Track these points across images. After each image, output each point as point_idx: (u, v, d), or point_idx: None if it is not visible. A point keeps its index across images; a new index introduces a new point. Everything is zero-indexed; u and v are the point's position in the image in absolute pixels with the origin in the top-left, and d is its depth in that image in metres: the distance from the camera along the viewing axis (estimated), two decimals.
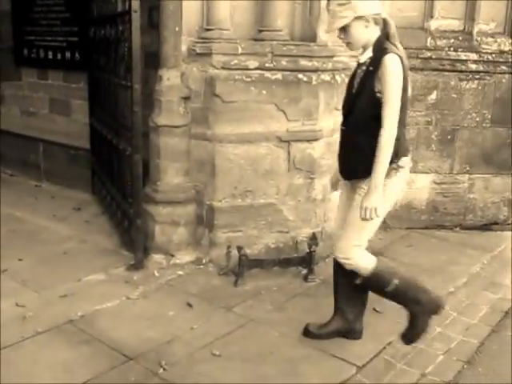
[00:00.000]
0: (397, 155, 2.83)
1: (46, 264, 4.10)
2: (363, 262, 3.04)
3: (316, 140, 4.13)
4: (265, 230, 4.15)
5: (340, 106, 4.17)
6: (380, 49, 2.79)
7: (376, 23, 2.84)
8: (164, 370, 2.90)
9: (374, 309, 3.56)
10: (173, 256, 4.09)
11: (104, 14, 4.66)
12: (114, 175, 4.65)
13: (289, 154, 4.10)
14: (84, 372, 2.85)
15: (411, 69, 4.84)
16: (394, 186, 2.92)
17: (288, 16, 4.18)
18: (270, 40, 4.04)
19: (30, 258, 4.19)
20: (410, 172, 4.82)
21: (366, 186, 2.87)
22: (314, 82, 4.07)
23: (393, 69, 2.71)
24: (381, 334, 3.31)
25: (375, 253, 4.38)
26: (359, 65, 2.95)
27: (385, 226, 4.99)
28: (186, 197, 4.08)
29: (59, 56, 6.30)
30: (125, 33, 4.02)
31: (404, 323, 3.14)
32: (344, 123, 3.02)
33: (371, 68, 2.81)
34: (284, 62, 4.02)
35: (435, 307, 3.06)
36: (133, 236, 4.09)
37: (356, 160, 2.93)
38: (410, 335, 3.09)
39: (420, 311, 3.04)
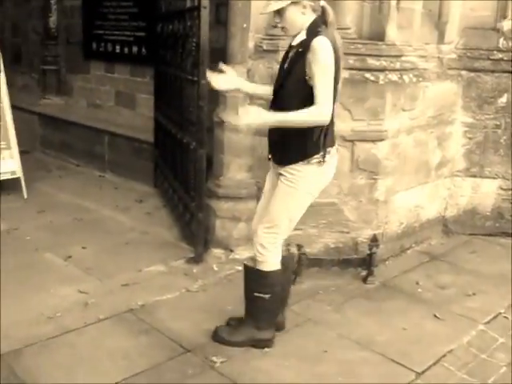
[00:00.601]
0: (323, 145, 2.78)
1: (108, 253, 4.20)
2: (272, 255, 2.99)
3: (381, 140, 4.07)
4: (325, 230, 4.11)
5: (407, 107, 4.19)
6: (312, 32, 2.72)
7: (314, 10, 2.78)
8: (221, 363, 2.92)
9: (435, 315, 3.49)
10: (232, 251, 4.12)
11: (172, 10, 4.73)
12: (177, 169, 4.71)
13: (352, 153, 4.05)
14: (142, 361, 2.91)
15: (480, 70, 4.80)
16: (314, 176, 2.83)
17: (356, 14, 4.13)
18: None
19: (93, 246, 4.30)
20: (476, 177, 4.87)
21: (290, 172, 2.82)
22: (381, 82, 4.01)
23: (323, 52, 2.65)
24: (441, 341, 3.24)
25: (435, 257, 4.34)
26: (291, 47, 2.87)
27: (447, 230, 4.90)
28: (248, 193, 4.10)
29: (126, 50, 6.46)
30: (193, 28, 4.06)
31: (467, 330, 3.06)
32: (272, 105, 2.90)
33: (301, 50, 2.74)
34: (351, 61, 3.97)
35: (265, 342, 3.10)
36: (193, 230, 4.14)
37: (284, 145, 2.86)
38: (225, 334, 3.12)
39: (252, 328, 3.08)
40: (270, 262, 2.99)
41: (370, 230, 4.14)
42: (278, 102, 2.85)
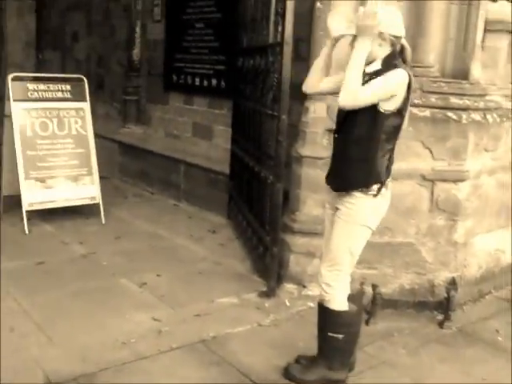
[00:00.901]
0: (384, 176, 2.80)
1: (181, 281, 4.25)
2: (338, 293, 2.95)
3: (462, 181, 3.98)
4: (401, 270, 4.03)
5: (490, 147, 4.09)
6: (389, 64, 2.74)
7: (392, 45, 2.77)
8: None
9: None
10: (305, 287, 4.08)
11: (254, 45, 4.82)
12: (253, 202, 4.74)
13: (432, 193, 3.98)
14: None
15: None
16: (370, 208, 2.84)
17: (440, 52, 4.09)
18: (421, 76, 3.96)
19: (167, 274, 4.36)
20: None
21: (346, 206, 2.81)
22: (463, 121, 3.94)
23: (397, 77, 2.69)
24: None
25: None
26: (364, 74, 2.80)
27: None
28: (323, 229, 4.05)
29: (205, 83, 6.59)
30: (275, 64, 4.12)
31: None
32: (338, 132, 2.91)
33: (375, 77, 2.72)
34: (433, 99, 3.93)
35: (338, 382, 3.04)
36: (267, 263, 4.13)
37: (345, 170, 2.85)
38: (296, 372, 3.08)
39: (324, 368, 3.03)
40: (338, 299, 2.95)
41: (448, 273, 4.02)
42: (345, 130, 2.85)
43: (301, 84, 4.22)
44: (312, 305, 3.97)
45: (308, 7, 4.10)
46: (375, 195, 2.80)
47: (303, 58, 4.38)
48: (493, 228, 4.35)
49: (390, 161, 2.85)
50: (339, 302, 2.96)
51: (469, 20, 4.00)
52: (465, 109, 3.96)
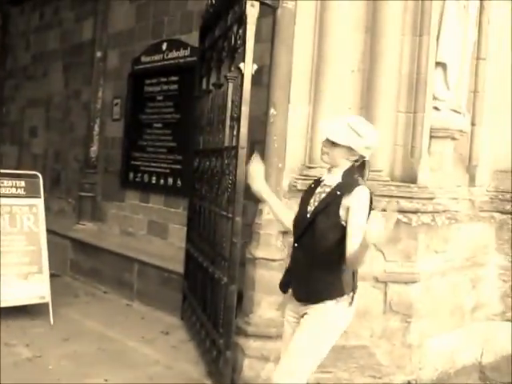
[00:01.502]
0: (344, 291, 2.79)
1: None
2: None
3: (414, 282, 4.03)
4: (356, 374, 3.97)
5: (440, 249, 4.18)
6: (351, 178, 2.81)
7: (357, 161, 2.85)
8: None
9: None
10: None
11: (211, 147, 4.91)
12: (207, 303, 4.66)
13: (385, 295, 4.01)
14: None
15: (506, 212, 4.81)
16: (343, 315, 2.85)
17: (389, 157, 4.25)
18: (371, 180, 4.06)
19: (116, 379, 4.16)
20: None
21: (324, 308, 2.79)
22: (413, 224, 4.04)
23: (364, 200, 2.73)
24: None
25: None
26: (318, 182, 2.94)
27: (484, 378, 4.68)
28: (278, 332, 3.96)
29: (162, 181, 6.65)
30: (230, 166, 4.20)
31: None
32: (298, 241, 2.92)
33: (338, 193, 2.77)
34: (384, 202, 4.03)
35: None
36: (220, 368, 4.02)
37: (312, 280, 2.81)
38: None
39: None
40: None
41: (404, 376, 3.99)
42: (307, 240, 2.84)
43: None
44: None
45: (264, 111, 4.24)
46: (351, 303, 2.82)
47: None
48: (447, 329, 4.37)
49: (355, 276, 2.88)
50: None
51: (415, 128, 4.20)
52: (414, 212, 4.08)
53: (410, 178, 4.21)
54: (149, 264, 6.12)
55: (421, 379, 4.11)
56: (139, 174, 6.98)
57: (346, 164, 2.85)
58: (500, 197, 4.91)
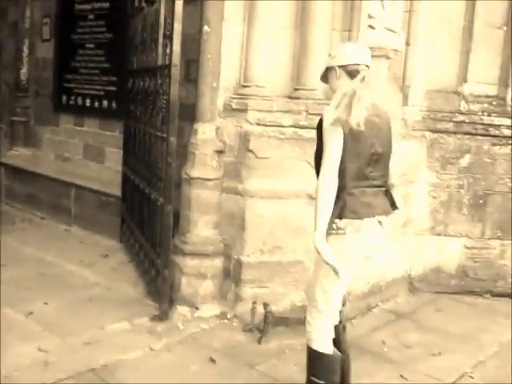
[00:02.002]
0: (338, 216, 2.67)
1: (70, 309, 4.10)
2: (316, 330, 2.86)
3: None
4: (292, 288, 4.10)
5: None
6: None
7: (350, 75, 2.78)
8: None
9: (401, 375, 3.48)
10: (198, 309, 4.06)
11: (144, 67, 4.79)
12: (144, 224, 4.68)
13: None
14: None
15: (443, 131, 4.94)
16: (334, 247, 2.66)
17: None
18: (305, 99, 4.10)
19: (55, 302, 4.19)
20: (440, 235, 4.95)
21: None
22: None
23: (327, 130, 2.65)
24: None
25: (401, 315, 4.34)
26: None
27: (413, 288, 4.93)
28: (215, 250, 4.08)
29: (96, 104, 6.48)
30: (163, 86, 4.12)
31: None
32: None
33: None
34: (318, 121, 4.05)
35: None
36: (159, 286, 4.08)
37: None
38: None
39: None
40: (318, 340, 2.85)
41: None
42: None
43: (191, 105, 4.28)
44: (205, 327, 3.98)
45: (198, 28, 4.13)
46: (337, 235, 2.68)
47: (193, 80, 4.41)
48: None
49: (353, 199, 2.71)
50: (319, 343, 2.85)
51: None
52: None
53: None
54: (86, 188, 6.06)
55: (353, 291, 4.28)
56: (73, 97, 6.78)
57: (346, 86, 2.76)
58: (432, 116, 5.00)
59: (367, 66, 2.83)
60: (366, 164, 2.74)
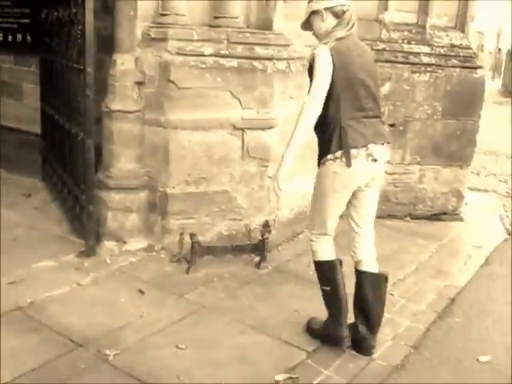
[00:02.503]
0: (337, 146, 2.82)
1: None
2: (318, 246, 3.08)
3: (270, 128, 4.15)
4: (218, 218, 4.15)
5: (295, 95, 4.29)
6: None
7: (335, 16, 2.90)
8: (114, 356, 2.88)
9: None
10: (125, 243, 4.06)
11: None
12: (66, 161, 4.57)
13: (243, 141, 4.10)
14: (32, 359, 2.82)
15: None
16: (330, 174, 2.88)
17: (244, 3, 4.17)
18: (226, 27, 4.03)
19: None
20: None
21: (319, 169, 2.96)
22: (269, 71, 4.08)
23: (317, 59, 2.80)
24: None
25: None
26: None
27: None
28: (139, 183, 4.05)
29: (10, 38, 6.13)
30: (78, 15, 3.95)
31: None
32: None
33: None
34: (239, 50, 4.01)
35: (333, 340, 3.10)
36: (84, 222, 4.04)
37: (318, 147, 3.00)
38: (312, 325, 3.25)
39: (327, 324, 3.14)
40: (318, 251, 3.07)
41: (262, 217, 4.22)
42: None
43: (109, 36, 4.13)
44: (133, 260, 3.99)
45: None
46: (333, 163, 2.83)
47: (111, 10, 4.23)
48: (302, 171, 4.59)
49: (348, 129, 2.83)
50: (319, 254, 3.07)
51: None
52: (270, 58, 4.10)
53: (266, 25, 4.19)
54: (5, 127, 5.82)
55: (279, 218, 4.38)
56: None
57: (331, 26, 2.92)
58: None
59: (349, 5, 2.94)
60: (359, 95, 2.89)
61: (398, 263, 4.27)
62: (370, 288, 3.07)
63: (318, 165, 2.98)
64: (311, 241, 3.11)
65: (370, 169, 2.91)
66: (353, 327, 3.10)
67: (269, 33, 4.16)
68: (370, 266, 3.09)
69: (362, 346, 3.08)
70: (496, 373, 3.01)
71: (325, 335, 3.13)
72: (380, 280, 3.12)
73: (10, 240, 4.20)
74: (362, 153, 2.85)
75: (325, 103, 2.82)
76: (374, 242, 3.14)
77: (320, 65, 2.79)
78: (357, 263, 3.10)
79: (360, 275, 3.08)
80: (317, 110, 2.81)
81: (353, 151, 2.82)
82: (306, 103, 2.82)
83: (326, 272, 3.09)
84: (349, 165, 2.81)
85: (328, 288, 3.08)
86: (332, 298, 3.09)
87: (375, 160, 2.89)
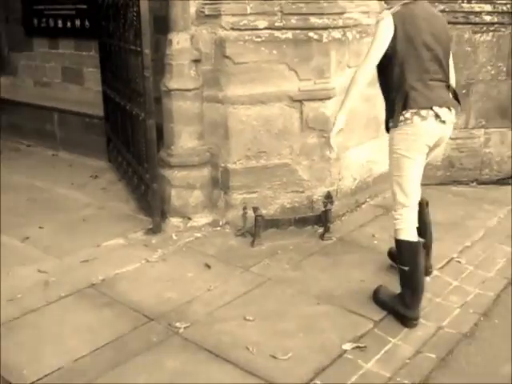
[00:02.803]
0: (403, 107, 2.87)
1: (66, 231, 4.17)
2: (402, 223, 3.02)
3: (329, 98, 4.11)
4: (280, 190, 4.17)
5: (352, 64, 4.23)
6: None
7: None
8: (184, 328, 2.96)
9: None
10: (190, 219, 4.13)
11: None
12: (130, 141, 4.68)
13: (301, 113, 4.09)
14: (107, 333, 2.93)
15: None
16: (400, 137, 2.92)
17: None
18: None
19: (50, 225, 4.26)
20: None
21: (390, 135, 3.00)
22: (324, 40, 4.03)
23: (378, 25, 2.89)
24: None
25: (389, 209, 4.42)
26: None
27: None
28: (201, 160, 4.11)
29: (69, 24, 6.32)
30: None
31: None
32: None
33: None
34: (294, 21, 3.98)
35: (402, 319, 3.05)
36: (149, 200, 4.14)
37: (385, 113, 3.07)
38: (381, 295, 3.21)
39: (399, 301, 3.07)
40: (401, 230, 3.02)
41: (324, 188, 4.21)
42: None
43: (164, 17, 4.17)
44: (199, 235, 4.06)
45: None
46: (400, 126, 2.89)
47: None
48: (363, 141, 4.55)
49: (412, 90, 2.87)
50: (402, 232, 3.03)
51: None
52: (325, 28, 4.05)
53: None
54: (68, 112, 6.02)
55: (341, 189, 4.36)
56: (44, 19, 6.59)
57: None
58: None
59: None
60: (422, 58, 2.90)
61: (464, 230, 4.17)
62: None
63: (387, 129, 3.03)
64: (395, 219, 3.05)
65: (438, 129, 2.94)
66: None
67: (323, 1, 4.09)
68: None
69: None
70: None
71: (394, 312, 3.09)
72: (423, 206, 3.23)
73: (80, 220, 4.37)
74: (431, 113, 2.88)
75: (390, 67, 2.89)
76: None
77: (380, 29, 2.86)
78: None
79: None
80: (370, 68, 2.93)
81: (422, 112, 2.86)
82: (360, 66, 2.95)
83: (407, 252, 3.04)
84: (416, 126, 2.86)
85: (407, 268, 3.02)
86: (409, 279, 3.05)
87: (443, 122, 2.90)
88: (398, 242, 3.06)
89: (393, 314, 3.08)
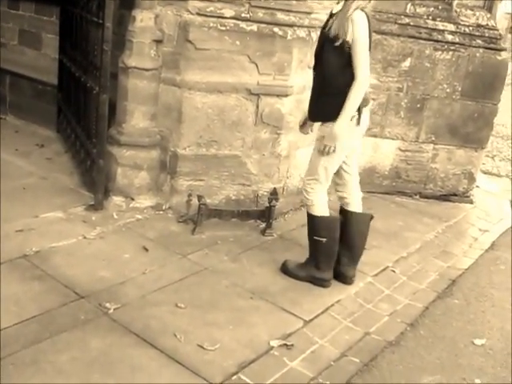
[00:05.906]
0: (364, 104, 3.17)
1: (4, 198, 4.02)
2: (316, 198, 3.33)
3: (286, 96, 4.12)
4: (227, 181, 4.16)
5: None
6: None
7: None
8: (114, 309, 2.93)
9: None
10: (133, 200, 4.08)
11: None
12: (80, 114, 4.58)
13: (257, 107, 4.09)
14: (34, 307, 2.87)
15: (387, 33, 4.92)
16: (352, 132, 3.20)
17: None
18: None
19: None
20: (376, 137, 5.04)
21: (326, 128, 3.18)
22: (289, 37, 4.04)
23: (360, 23, 3.02)
24: (330, 292, 3.40)
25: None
26: (331, 15, 3.16)
27: None
28: (151, 141, 4.06)
29: None
30: None
31: (356, 282, 3.30)
32: (315, 69, 3.29)
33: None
34: (261, 14, 3.97)
35: (320, 282, 3.43)
36: (94, 176, 4.06)
37: (320, 105, 3.24)
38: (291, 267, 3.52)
39: (312, 267, 3.43)
40: (317, 206, 3.35)
41: (271, 184, 4.23)
42: (319, 65, 3.24)
43: None
44: (140, 217, 4.02)
45: None
46: (357, 123, 3.18)
47: None
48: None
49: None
50: (319, 209, 3.34)
51: None
52: (290, 25, 4.05)
53: None
54: (22, 76, 5.82)
55: (287, 187, 4.39)
56: None
57: None
58: (377, 17, 4.94)
59: None
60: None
61: (402, 240, 4.27)
62: (356, 226, 3.46)
63: (323, 121, 3.27)
64: (306, 192, 3.36)
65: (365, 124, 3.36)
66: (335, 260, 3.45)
67: None
68: (357, 206, 3.46)
69: (344, 274, 3.47)
70: (489, 357, 3.03)
71: (310, 277, 3.42)
72: (366, 219, 3.51)
73: (21, 188, 4.25)
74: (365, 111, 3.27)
75: (349, 69, 3.05)
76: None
77: (362, 27, 3.01)
78: (345, 204, 3.46)
79: (347, 214, 3.45)
80: (367, 76, 3.10)
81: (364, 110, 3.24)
82: (363, 73, 3.03)
83: (325, 226, 3.37)
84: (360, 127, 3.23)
85: (324, 240, 3.35)
86: (326, 249, 3.39)
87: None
88: (314, 217, 3.37)
89: (308, 280, 3.42)
